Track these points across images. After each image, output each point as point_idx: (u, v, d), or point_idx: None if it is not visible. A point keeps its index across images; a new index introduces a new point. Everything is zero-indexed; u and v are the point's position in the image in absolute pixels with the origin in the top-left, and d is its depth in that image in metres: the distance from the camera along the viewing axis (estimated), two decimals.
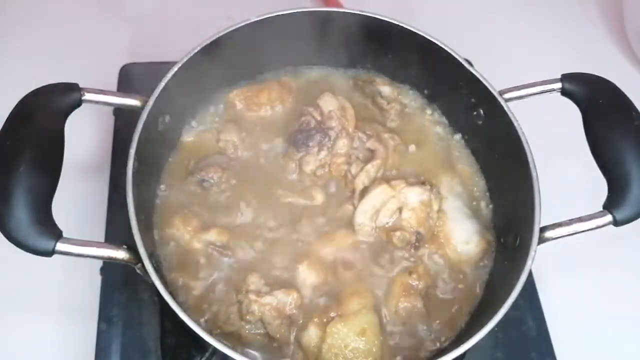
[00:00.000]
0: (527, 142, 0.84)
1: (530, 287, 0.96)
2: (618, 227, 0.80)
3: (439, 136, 0.99)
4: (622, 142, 0.81)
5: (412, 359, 0.81)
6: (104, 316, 0.89)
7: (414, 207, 0.86)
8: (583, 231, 0.79)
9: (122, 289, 0.91)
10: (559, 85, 0.87)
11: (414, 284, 0.83)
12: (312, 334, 0.79)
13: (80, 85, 0.80)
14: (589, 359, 0.96)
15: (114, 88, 1.09)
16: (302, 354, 0.79)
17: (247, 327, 0.79)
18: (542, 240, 0.78)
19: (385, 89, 0.99)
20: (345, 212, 0.88)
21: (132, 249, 0.73)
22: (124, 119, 1.04)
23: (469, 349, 0.72)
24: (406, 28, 0.93)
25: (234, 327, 0.79)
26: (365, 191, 0.88)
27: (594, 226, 0.79)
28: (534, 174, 0.82)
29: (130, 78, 1.10)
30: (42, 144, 0.74)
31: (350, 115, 0.93)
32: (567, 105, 0.87)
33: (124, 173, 0.77)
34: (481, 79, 0.89)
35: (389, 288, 0.84)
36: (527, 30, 1.30)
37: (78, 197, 1.01)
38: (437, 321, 0.83)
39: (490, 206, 0.93)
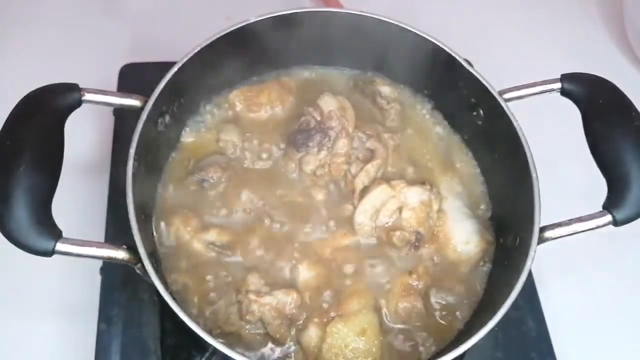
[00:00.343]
0: (527, 142, 0.84)
1: (530, 287, 0.96)
2: (618, 227, 0.80)
3: (439, 136, 0.99)
4: (622, 142, 0.81)
5: (412, 359, 0.81)
6: (104, 316, 0.89)
7: (414, 207, 0.86)
8: (583, 231, 0.79)
9: (122, 289, 0.91)
10: (558, 85, 0.87)
11: (414, 284, 0.83)
12: (312, 334, 0.79)
13: (80, 85, 0.80)
14: (588, 359, 0.96)
15: (114, 88, 1.09)
16: (302, 354, 0.79)
17: (247, 327, 0.79)
18: (542, 240, 0.78)
19: (385, 89, 0.99)
20: (345, 212, 0.88)
21: (132, 249, 0.73)
22: (124, 119, 1.04)
23: (469, 349, 0.72)
24: (406, 28, 0.93)
25: (234, 327, 0.79)
26: (365, 191, 0.88)
27: (593, 226, 0.79)
28: (534, 174, 0.82)
29: (130, 78, 1.10)
30: (42, 144, 0.74)
31: (350, 115, 0.93)
32: (567, 105, 0.87)
33: (124, 173, 0.77)
34: (481, 79, 0.89)
35: (389, 288, 0.84)
36: (527, 30, 1.30)
37: (78, 197, 1.01)
38: (437, 321, 0.83)
39: (490, 206, 0.93)
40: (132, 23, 1.24)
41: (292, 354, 0.80)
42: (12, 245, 0.69)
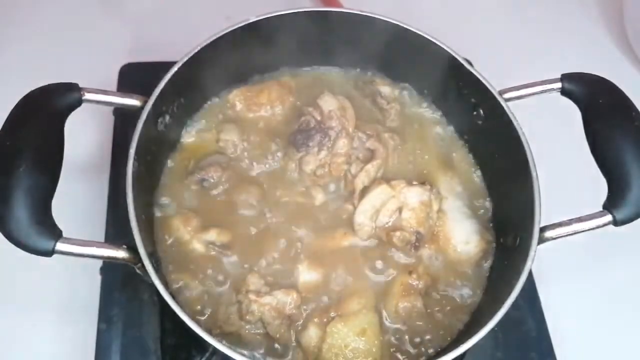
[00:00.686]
0: (527, 142, 0.84)
1: (530, 287, 0.96)
2: (618, 227, 0.80)
3: (439, 136, 0.99)
4: (622, 142, 0.81)
5: (412, 359, 0.81)
6: (104, 316, 0.89)
7: (414, 207, 0.86)
8: (583, 231, 0.79)
9: (122, 289, 0.91)
10: (558, 85, 0.87)
11: (414, 283, 0.83)
12: (312, 334, 0.79)
13: (80, 85, 0.80)
14: (588, 359, 0.96)
15: (114, 88, 1.09)
16: (302, 354, 0.79)
17: (247, 327, 0.79)
18: (542, 240, 0.78)
19: (385, 89, 0.99)
20: (345, 212, 0.88)
21: (132, 249, 0.73)
22: (124, 119, 1.04)
23: (469, 349, 0.72)
24: (406, 28, 0.93)
25: (234, 327, 0.79)
26: (365, 191, 0.88)
27: (594, 226, 0.79)
28: (534, 174, 0.82)
29: (130, 78, 1.10)
30: (42, 144, 0.74)
31: (350, 115, 0.93)
32: (567, 105, 0.87)
33: (124, 173, 0.77)
34: (481, 79, 0.89)
35: (389, 288, 0.84)
36: (527, 30, 1.30)
37: (78, 197, 1.01)
38: (437, 321, 0.83)
39: (490, 206, 0.92)
40: (132, 23, 1.24)
41: (292, 354, 0.80)
42: (12, 245, 0.69)
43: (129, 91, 0.85)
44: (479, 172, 0.96)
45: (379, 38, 0.96)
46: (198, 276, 0.83)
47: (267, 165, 0.93)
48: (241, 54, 0.94)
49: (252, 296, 0.78)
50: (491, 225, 0.91)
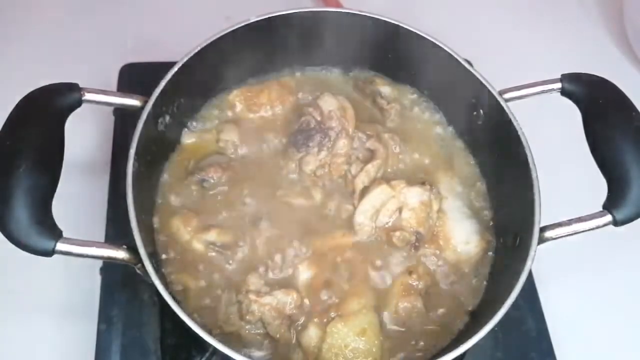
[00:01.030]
0: (527, 142, 0.84)
1: (530, 287, 0.96)
2: (618, 227, 0.80)
3: (439, 136, 0.99)
4: (622, 142, 0.81)
5: (412, 359, 0.81)
6: (104, 316, 0.89)
7: (414, 207, 0.86)
8: (583, 231, 0.79)
9: (122, 289, 0.91)
10: (558, 85, 0.87)
11: (414, 284, 0.83)
12: (312, 334, 0.79)
13: (80, 85, 0.80)
14: (588, 359, 0.96)
15: (114, 88, 1.09)
16: (302, 354, 0.79)
17: (247, 327, 0.79)
18: (542, 240, 0.78)
19: (385, 89, 0.99)
20: (345, 212, 0.88)
21: (132, 249, 0.73)
22: (124, 119, 1.04)
23: (469, 349, 0.72)
24: (406, 28, 0.93)
25: (234, 327, 0.79)
26: (365, 191, 0.88)
27: (593, 226, 0.79)
28: (534, 174, 0.82)
29: (130, 78, 1.10)
30: (42, 144, 0.74)
31: (350, 115, 0.93)
32: (567, 105, 0.87)
33: (124, 173, 0.77)
34: (481, 79, 0.89)
35: (389, 288, 0.84)
36: (527, 30, 1.30)
37: (78, 197, 1.01)
38: (437, 321, 0.83)
39: (490, 206, 0.92)
40: (132, 23, 1.24)
41: (292, 354, 0.80)
42: (13, 246, 0.69)
43: (129, 91, 0.85)
44: (479, 172, 0.96)
45: (378, 38, 0.96)
46: (198, 276, 0.83)
47: (267, 166, 0.93)
48: (241, 54, 0.94)
49: (252, 296, 0.78)
50: (491, 225, 0.91)
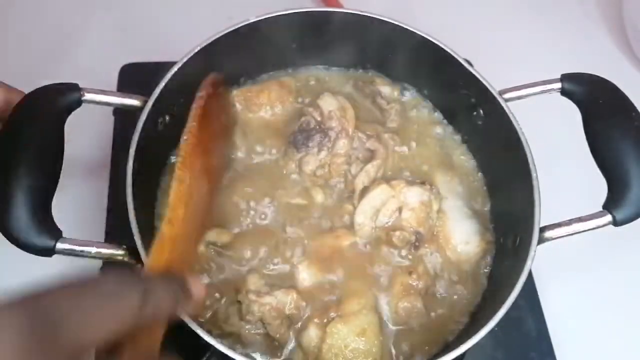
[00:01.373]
0: (527, 142, 0.84)
1: (530, 287, 0.96)
2: (618, 227, 0.80)
3: (439, 136, 0.99)
4: (622, 142, 0.81)
5: (412, 359, 0.81)
6: None
7: (414, 207, 0.85)
8: (583, 231, 0.80)
9: None
10: (558, 85, 0.87)
11: (413, 284, 0.83)
12: (312, 334, 0.79)
13: (80, 85, 0.80)
14: (588, 359, 0.96)
15: (114, 88, 1.09)
16: (302, 354, 0.79)
17: (247, 327, 0.79)
18: (542, 240, 0.78)
19: (386, 89, 0.99)
20: (345, 212, 0.88)
21: (132, 249, 0.73)
22: (124, 119, 1.04)
23: (469, 349, 0.72)
24: (406, 28, 0.93)
25: (234, 328, 0.79)
26: (365, 191, 0.88)
27: (593, 226, 0.79)
28: (533, 174, 0.82)
29: (130, 78, 1.10)
30: (42, 144, 0.74)
31: (350, 116, 0.93)
32: (567, 105, 0.87)
33: (124, 173, 0.77)
34: (481, 79, 0.89)
35: (388, 288, 0.84)
36: (527, 30, 1.30)
37: (78, 197, 1.01)
38: (437, 321, 0.83)
39: (490, 207, 0.92)
40: (132, 23, 1.24)
41: (292, 354, 0.80)
42: (12, 245, 0.69)
43: (129, 91, 0.85)
44: (479, 172, 0.96)
45: (378, 38, 0.96)
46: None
47: (266, 166, 0.93)
48: (241, 54, 0.94)
49: (252, 296, 0.78)
50: (492, 225, 0.91)
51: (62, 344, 0.45)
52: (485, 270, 0.87)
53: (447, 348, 0.79)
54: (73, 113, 0.80)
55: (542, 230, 0.79)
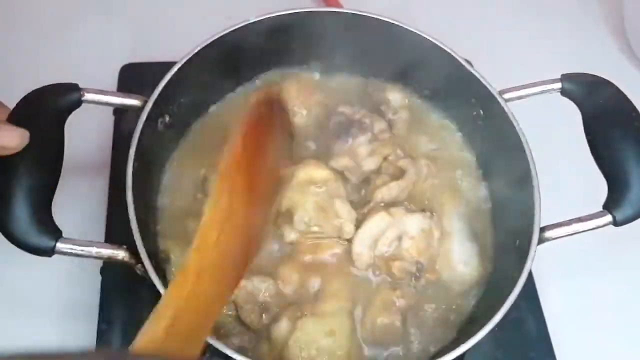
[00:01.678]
0: (527, 142, 0.84)
1: (530, 287, 0.96)
2: (618, 227, 0.80)
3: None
4: (622, 142, 0.81)
5: None
6: (104, 317, 0.89)
7: (414, 235, 0.82)
8: (583, 231, 0.80)
9: (122, 289, 0.91)
10: (558, 85, 0.87)
11: (396, 301, 0.81)
12: (282, 326, 0.77)
13: (80, 86, 0.80)
14: (588, 359, 0.96)
15: (114, 88, 1.09)
16: (269, 345, 0.78)
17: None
18: (542, 240, 0.78)
19: (395, 95, 0.96)
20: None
21: (132, 249, 0.73)
22: (124, 119, 1.03)
23: (469, 349, 0.72)
24: (405, 28, 0.93)
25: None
26: (364, 218, 0.84)
27: (593, 226, 0.79)
28: (534, 174, 0.82)
29: (130, 78, 1.10)
30: (42, 144, 0.74)
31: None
32: (567, 105, 0.87)
33: (124, 173, 0.77)
34: (481, 79, 0.89)
35: (370, 298, 0.82)
36: (527, 30, 1.30)
37: (78, 197, 1.01)
38: (412, 340, 0.81)
39: (492, 236, 0.89)
40: (132, 23, 1.23)
41: (260, 344, 0.79)
42: (12, 246, 0.69)
43: (129, 91, 0.85)
44: (484, 187, 0.93)
45: (378, 39, 0.95)
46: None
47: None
48: (242, 54, 0.94)
49: None
50: (492, 256, 0.88)
51: None
52: (472, 301, 0.84)
53: (447, 348, 0.78)
54: (73, 113, 0.80)
55: (542, 230, 0.79)
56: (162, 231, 0.86)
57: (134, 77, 1.10)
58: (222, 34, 0.89)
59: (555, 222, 0.80)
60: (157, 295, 0.72)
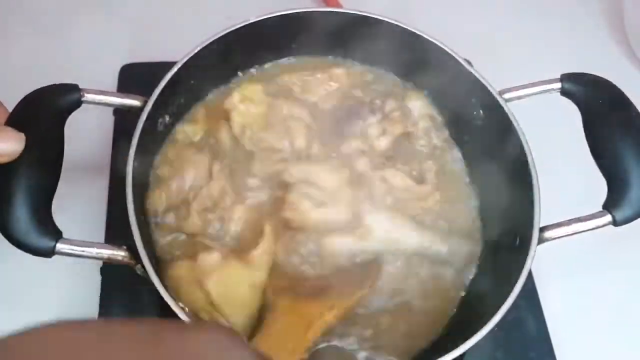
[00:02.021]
0: (527, 142, 0.84)
1: (530, 287, 0.96)
2: (618, 227, 0.80)
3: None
4: (622, 142, 0.81)
5: None
6: (104, 316, 0.89)
7: None
8: (583, 231, 0.80)
9: (122, 289, 0.91)
10: (558, 85, 0.87)
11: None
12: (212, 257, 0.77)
13: (80, 86, 0.80)
14: (588, 359, 0.96)
15: (114, 88, 1.09)
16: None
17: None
18: (542, 240, 0.78)
19: (415, 104, 0.95)
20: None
21: (132, 249, 0.73)
22: (124, 119, 1.04)
23: (469, 349, 0.72)
24: (404, 28, 0.93)
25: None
26: None
27: (593, 226, 0.79)
28: (534, 174, 0.82)
29: (130, 78, 1.10)
30: (42, 145, 0.74)
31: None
32: (567, 105, 0.87)
33: (124, 173, 0.77)
34: (481, 79, 0.89)
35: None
36: (527, 30, 1.30)
37: (78, 197, 1.01)
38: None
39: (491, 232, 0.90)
40: (132, 23, 1.23)
41: None
42: (12, 246, 0.69)
43: (129, 91, 0.85)
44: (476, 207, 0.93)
45: (378, 39, 0.95)
46: None
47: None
48: (242, 54, 0.94)
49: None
50: (491, 252, 0.88)
51: None
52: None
53: (447, 348, 0.78)
54: (73, 113, 0.80)
55: (542, 230, 0.79)
56: None
57: (134, 77, 1.10)
58: (222, 34, 0.89)
59: (555, 222, 0.80)
60: (157, 296, 0.72)
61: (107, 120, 1.06)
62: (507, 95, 0.88)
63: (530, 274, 0.88)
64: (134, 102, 0.83)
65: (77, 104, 0.80)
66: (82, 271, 0.93)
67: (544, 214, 0.79)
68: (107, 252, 0.73)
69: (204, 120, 0.92)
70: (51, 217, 0.71)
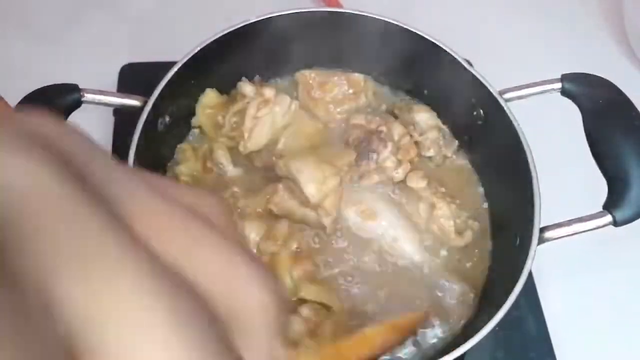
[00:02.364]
0: (527, 142, 0.84)
1: (530, 287, 0.96)
2: (618, 227, 0.80)
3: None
4: (622, 142, 0.81)
5: None
6: None
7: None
8: (583, 231, 0.79)
9: None
10: (558, 85, 0.87)
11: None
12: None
13: (80, 86, 0.80)
14: (588, 359, 0.96)
15: (114, 88, 1.09)
16: None
17: None
18: (542, 240, 0.78)
19: (421, 115, 0.94)
20: None
21: None
22: (124, 119, 1.03)
23: (469, 349, 0.72)
24: (405, 28, 0.93)
25: None
26: None
27: (593, 226, 0.79)
28: (534, 174, 0.82)
29: (130, 78, 1.10)
30: None
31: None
32: (567, 105, 0.87)
33: None
34: (481, 79, 0.89)
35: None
36: (527, 30, 1.30)
37: None
38: None
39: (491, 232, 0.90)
40: (132, 23, 1.23)
41: None
42: None
43: (129, 91, 0.85)
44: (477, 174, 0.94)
45: (377, 39, 0.95)
46: None
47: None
48: (242, 54, 0.94)
49: None
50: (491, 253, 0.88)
51: None
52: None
53: (447, 348, 0.78)
54: (73, 113, 0.80)
55: (542, 230, 0.79)
56: None
57: (134, 77, 1.10)
58: (222, 34, 0.89)
59: (555, 222, 0.80)
60: None
61: (107, 121, 1.06)
62: (507, 95, 0.88)
63: (530, 274, 0.88)
64: (134, 102, 0.83)
65: (77, 104, 0.80)
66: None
67: (544, 214, 0.79)
68: None
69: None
70: None
